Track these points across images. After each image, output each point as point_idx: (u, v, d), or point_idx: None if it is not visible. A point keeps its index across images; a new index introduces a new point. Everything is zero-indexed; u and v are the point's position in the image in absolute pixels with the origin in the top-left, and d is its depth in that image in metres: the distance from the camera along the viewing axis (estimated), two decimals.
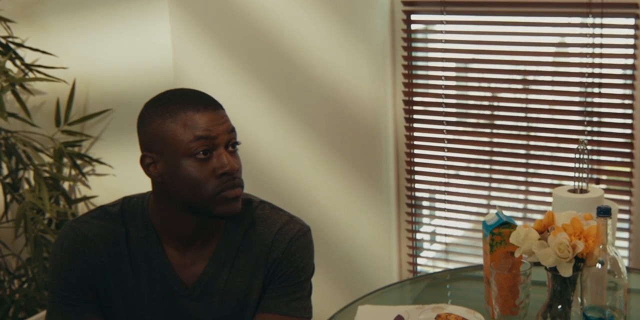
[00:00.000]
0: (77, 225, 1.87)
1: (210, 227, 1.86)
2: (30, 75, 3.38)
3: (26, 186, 3.43)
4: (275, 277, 1.90)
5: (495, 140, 3.26)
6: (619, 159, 3.05)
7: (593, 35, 2.96)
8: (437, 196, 3.44)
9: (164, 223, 1.86)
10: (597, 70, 2.99)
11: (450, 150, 3.32)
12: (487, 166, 3.29)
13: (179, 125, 1.74)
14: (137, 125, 1.81)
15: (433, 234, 3.56)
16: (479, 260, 3.15)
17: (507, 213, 2.14)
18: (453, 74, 3.32)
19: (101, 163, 3.52)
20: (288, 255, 1.89)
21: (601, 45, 2.96)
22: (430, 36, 3.30)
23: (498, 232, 2.05)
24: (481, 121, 3.28)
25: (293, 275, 1.91)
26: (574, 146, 2.56)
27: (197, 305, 1.89)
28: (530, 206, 3.35)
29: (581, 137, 3.01)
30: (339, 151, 3.38)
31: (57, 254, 1.87)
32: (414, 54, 3.30)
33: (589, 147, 2.62)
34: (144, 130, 1.79)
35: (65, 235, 1.87)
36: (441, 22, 3.23)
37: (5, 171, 3.36)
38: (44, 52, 3.38)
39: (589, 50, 2.98)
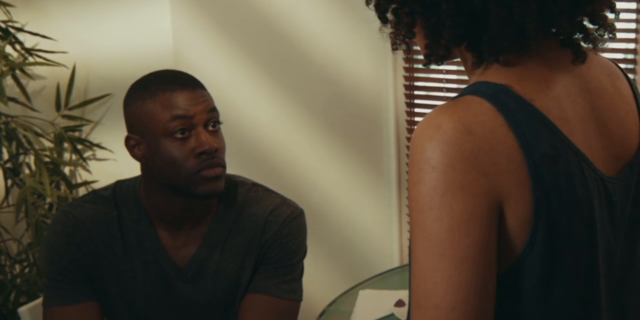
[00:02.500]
0: (69, 209, 1.88)
1: (199, 209, 1.87)
2: (30, 59, 3.37)
3: (27, 171, 3.43)
4: (266, 258, 1.90)
5: None
6: None
7: None
8: None
9: (153, 205, 1.87)
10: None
11: None
12: None
13: (157, 105, 1.77)
14: (123, 107, 1.84)
15: None
16: None
17: None
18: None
19: (102, 148, 3.52)
20: (280, 237, 1.90)
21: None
22: None
23: None
24: None
25: (284, 257, 1.91)
26: None
27: (189, 286, 1.90)
28: None
29: None
30: (340, 136, 3.37)
31: (50, 238, 1.88)
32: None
33: None
34: (127, 111, 1.83)
35: (57, 220, 1.88)
36: None
37: (5, 156, 3.35)
38: (44, 36, 3.37)
39: None
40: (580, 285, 1.13)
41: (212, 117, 1.81)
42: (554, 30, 1.13)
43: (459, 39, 1.12)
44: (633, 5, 2.89)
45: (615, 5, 1.18)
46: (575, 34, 1.14)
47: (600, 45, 1.18)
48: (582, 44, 1.17)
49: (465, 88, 1.13)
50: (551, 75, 1.14)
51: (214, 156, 1.79)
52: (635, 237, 1.23)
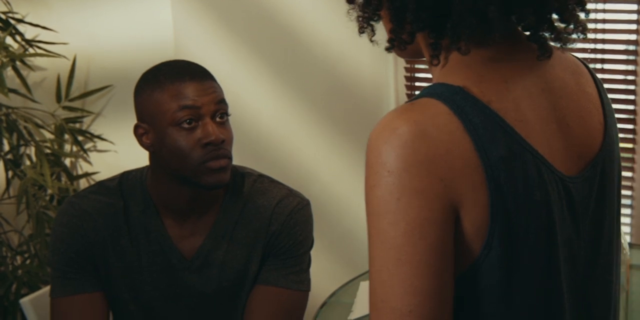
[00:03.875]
0: (75, 201, 1.89)
1: (205, 199, 1.87)
2: (31, 51, 3.37)
3: (27, 162, 3.43)
4: (274, 250, 1.91)
5: None
6: (621, 135, 3.04)
7: (596, 11, 2.94)
8: None
9: (160, 195, 1.87)
10: (599, 46, 2.98)
11: None
12: None
13: (166, 95, 1.78)
14: (133, 96, 1.85)
15: None
16: None
17: None
18: None
19: (102, 139, 3.52)
20: (287, 228, 1.90)
21: (604, 21, 2.95)
22: None
23: None
24: None
25: (292, 248, 1.91)
26: None
27: (196, 277, 1.90)
28: None
29: None
30: (341, 127, 3.37)
31: (56, 229, 1.88)
32: None
33: None
34: (137, 100, 1.84)
35: (64, 211, 1.89)
36: None
37: (6, 147, 3.35)
38: (44, 27, 3.37)
39: (592, 25, 2.96)
40: (540, 287, 1.13)
41: (220, 108, 1.81)
42: (518, 23, 1.12)
43: (422, 23, 1.11)
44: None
45: (585, 4, 1.16)
46: (543, 31, 1.13)
47: (568, 45, 1.17)
48: (551, 42, 1.16)
49: (423, 89, 1.12)
50: (512, 76, 1.13)
51: (220, 147, 1.79)
52: (599, 234, 1.22)
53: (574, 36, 1.17)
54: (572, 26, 1.15)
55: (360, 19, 1.20)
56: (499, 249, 1.07)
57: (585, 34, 1.16)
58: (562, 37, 1.15)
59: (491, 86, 1.10)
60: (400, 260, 1.04)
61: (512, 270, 1.09)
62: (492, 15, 1.06)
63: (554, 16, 1.15)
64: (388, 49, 1.18)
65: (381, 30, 1.21)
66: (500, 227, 1.07)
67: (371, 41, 1.20)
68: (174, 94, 1.77)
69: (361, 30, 1.21)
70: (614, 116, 1.26)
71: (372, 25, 1.20)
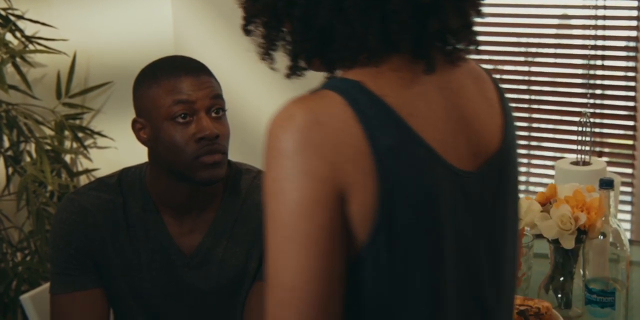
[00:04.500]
0: (75, 197, 1.89)
1: (204, 196, 1.87)
2: (31, 47, 3.36)
3: (28, 159, 3.42)
4: None
5: None
6: (621, 132, 3.04)
7: (596, 7, 2.94)
8: None
9: (159, 192, 1.87)
10: (600, 43, 2.98)
11: None
12: None
13: (161, 90, 1.79)
14: (132, 92, 1.86)
15: None
16: None
17: None
18: None
19: (102, 136, 3.52)
20: None
21: (604, 17, 2.94)
22: None
23: None
24: None
25: None
26: (577, 119, 2.55)
27: (195, 274, 1.90)
28: (533, 179, 3.35)
29: (584, 110, 3.00)
30: None
31: (56, 225, 1.88)
32: None
33: (591, 120, 2.62)
34: (135, 95, 1.85)
35: (63, 207, 1.89)
36: None
37: (6, 144, 3.35)
38: (44, 24, 3.36)
39: (592, 22, 2.96)
40: (426, 276, 1.17)
41: (215, 103, 1.81)
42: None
43: (311, 52, 1.20)
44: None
45: (470, 16, 1.22)
46: (429, 47, 1.18)
47: (462, 59, 1.22)
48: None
49: (324, 83, 1.18)
50: (409, 74, 1.18)
51: (214, 142, 1.79)
52: (501, 230, 1.27)
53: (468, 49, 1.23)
54: (462, 45, 1.22)
55: (261, 49, 1.26)
56: (385, 235, 1.13)
57: (477, 49, 1.24)
58: (451, 54, 1.21)
59: (388, 82, 1.16)
60: (289, 239, 1.09)
61: (398, 259, 1.14)
62: (371, 43, 1.15)
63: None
64: (288, 76, 1.26)
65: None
66: (387, 213, 1.12)
67: (271, 68, 1.28)
68: (169, 89, 1.78)
69: (262, 57, 1.28)
70: (513, 123, 1.32)
71: (271, 55, 1.26)
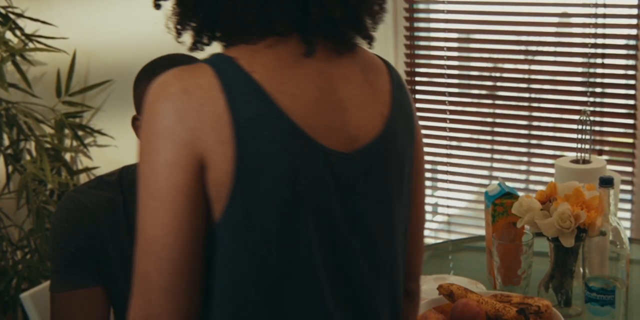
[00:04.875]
0: (75, 195, 1.89)
1: None
2: (31, 45, 3.37)
3: (27, 157, 3.43)
4: None
5: (498, 111, 3.25)
6: (621, 130, 3.05)
7: (596, 6, 2.94)
8: (440, 167, 3.44)
9: None
10: (600, 41, 2.98)
11: (452, 121, 3.32)
12: (489, 137, 3.29)
13: None
14: (132, 89, 1.87)
15: (435, 205, 3.56)
16: (481, 232, 3.15)
17: (509, 184, 2.13)
18: (455, 44, 3.30)
19: (102, 134, 3.52)
20: None
21: (604, 16, 2.95)
22: (432, 7, 3.28)
23: (500, 203, 2.05)
24: (483, 92, 3.27)
25: None
26: (577, 117, 2.55)
27: None
28: (533, 177, 3.35)
29: (584, 108, 3.00)
30: None
31: (56, 224, 1.88)
32: (416, 24, 3.29)
33: (591, 118, 2.62)
34: (135, 93, 1.85)
35: (63, 205, 1.89)
36: None
37: (6, 142, 3.35)
38: (44, 22, 3.36)
39: (592, 20, 2.96)
40: (280, 244, 1.23)
41: None
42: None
43: (200, 28, 1.30)
44: None
45: (358, 8, 1.29)
46: (312, 33, 1.26)
47: (349, 48, 1.30)
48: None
49: (205, 58, 1.28)
50: (288, 56, 1.26)
51: None
52: (375, 212, 1.32)
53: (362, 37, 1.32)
54: (349, 35, 1.29)
55: (173, 22, 1.36)
56: (241, 203, 1.20)
57: (370, 41, 1.34)
58: (338, 45, 1.29)
59: (262, 61, 1.24)
60: (150, 196, 1.20)
61: (254, 228, 1.21)
62: (249, 23, 1.24)
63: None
64: (191, 50, 1.35)
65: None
66: (244, 183, 1.19)
67: (178, 42, 1.36)
68: None
69: (176, 31, 1.36)
70: (406, 114, 1.36)
71: (180, 29, 1.35)
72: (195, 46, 1.33)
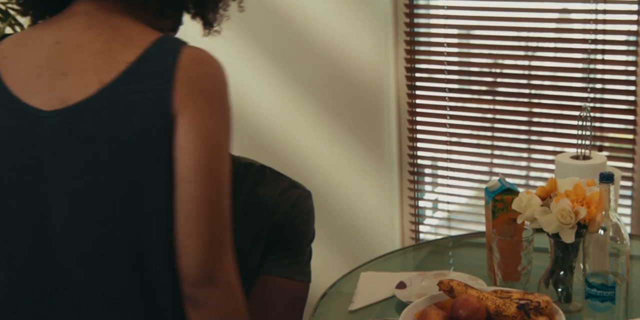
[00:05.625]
0: None
1: None
2: None
3: None
4: (276, 240, 1.91)
5: (498, 107, 3.25)
6: (622, 126, 3.04)
7: (597, 1, 2.94)
8: (440, 163, 3.44)
9: None
10: (600, 37, 2.97)
11: (452, 117, 3.32)
12: (489, 133, 3.29)
13: None
14: None
15: (435, 201, 3.56)
16: (481, 228, 3.16)
17: (509, 180, 2.13)
18: (455, 40, 3.30)
19: None
20: (290, 219, 1.90)
21: (605, 11, 2.94)
22: (433, 2, 3.28)
23: (500, 199, 2.05)
24: (484, 88, 3.27)
25: (294, 239, 1.91)
26: (577, 113, 2.55)
27: None
28: (533, 173, 3.35)
29: (584, 104, 3.00)
30: (341, 119, 3.37)
31: None
32: (416, 20, 3.28)
33: (592, 114, 2.61)
34: None
35: None
36: None
37: None
38: None
39: (592, 16, 2.96)
40: None
41: None
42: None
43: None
44: None
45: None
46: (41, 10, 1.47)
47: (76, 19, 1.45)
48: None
49: None
50: (32, 28, 1.45)
51: None
52: (66, 176, 1.38)
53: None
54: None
55: None
56: None
57: (214, 33, 1.62)
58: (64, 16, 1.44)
59: (22, 33, 1.46)
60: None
61: None
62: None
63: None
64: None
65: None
66: None
67: None
68: None
69: None
70: (148, 94, 1.36)
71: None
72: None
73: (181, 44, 1.42)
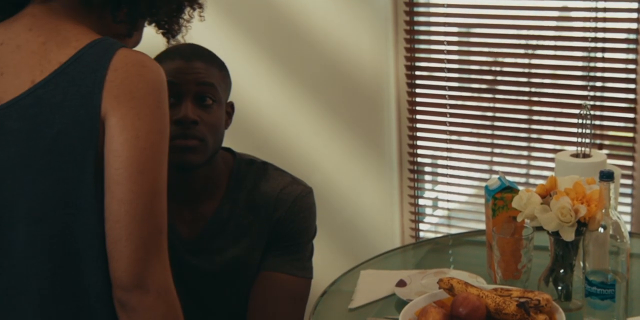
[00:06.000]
0: None
1: (198, 183, 1.88)
2: None
3: None
4: (278, 236, 1.91)
5: (498, 105, 3.24)
6: (622, 124, 3.04)
7: None
8: (440, 161, 3.44)
9: None
10: (600, 35, 2.97)
11: (452, 115, 3.31)
12: (489, 131, 3.28)
13: None
14: None
15: (435, 199, 3.56)
16: (481, 226, 3.15)
17: (509, 178, 2.13)
18: (455, 38, 3.30)
19: None
20: (291, 215, 1.91)
21: (605, 10, 2.94)
22: (433, 1, 3.28)
23: (500, 197, 2.05)
24: (483, 86, 3.27)
25: (296, 235, 1.92)
26: (577, 111, 2.55)
27: (198, 260, 1.90)
28: (533, 171, 3.35)
29: (584, 102, 3.00)
30: (341, 116, 3.37)
31: None
32: (416, 18, 3.28)
33: (592, 112, 2.61)
34: None
35: None
36: None
37: None
38: None
39: (592, 14, 2.96)
40: None
41: (200, 90, 1.82)
42: None
43: None
44: None
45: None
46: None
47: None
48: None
49: None
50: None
51: (190, 127, 1.79)
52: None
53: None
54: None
55: None
56: None
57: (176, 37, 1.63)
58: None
59: None
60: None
61: None
62: None
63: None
64: None
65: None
66: None
67: None
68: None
69: None
70: (77, 96, 1.38)
71: None
72: None
73: (117, 46, 1.41)
